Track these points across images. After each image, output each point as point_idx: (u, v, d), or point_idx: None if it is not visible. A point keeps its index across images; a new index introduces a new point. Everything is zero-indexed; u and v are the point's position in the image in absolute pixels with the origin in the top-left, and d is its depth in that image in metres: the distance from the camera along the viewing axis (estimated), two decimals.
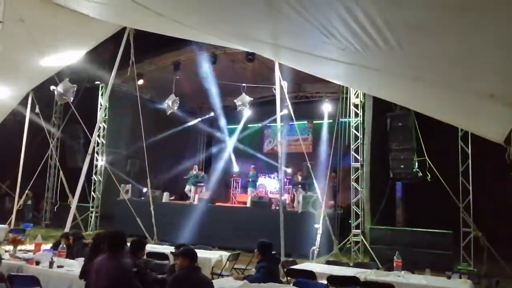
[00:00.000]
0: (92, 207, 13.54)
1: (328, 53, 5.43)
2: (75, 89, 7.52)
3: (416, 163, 9.67)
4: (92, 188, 13.54)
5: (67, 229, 8.26)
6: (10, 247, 5.84)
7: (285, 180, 12.81)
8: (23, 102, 11.54)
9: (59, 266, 4.99)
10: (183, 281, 3.65)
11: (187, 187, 13.55)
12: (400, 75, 5.33)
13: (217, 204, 13.21)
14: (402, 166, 9.67)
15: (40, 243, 5.91)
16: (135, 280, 3.76)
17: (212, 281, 4.67)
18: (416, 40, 4.26)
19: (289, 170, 13.30)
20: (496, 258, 8.65)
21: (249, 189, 13.10)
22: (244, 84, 9.92)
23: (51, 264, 4.98)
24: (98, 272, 3.74)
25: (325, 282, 4.85)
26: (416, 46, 4.41)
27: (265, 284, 4.25)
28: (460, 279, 5.19)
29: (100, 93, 13.55)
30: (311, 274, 5.12)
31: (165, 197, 13.19)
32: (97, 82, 13.30)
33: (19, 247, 5.87)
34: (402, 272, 5.36)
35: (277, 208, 10.95)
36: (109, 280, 3.67)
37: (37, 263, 5.13)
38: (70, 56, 8.96)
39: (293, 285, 4.60)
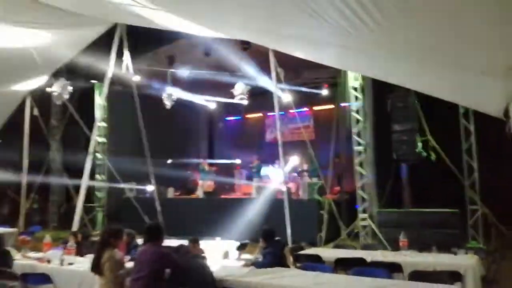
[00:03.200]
0: (98, 206, 13.59)
1: (319, 36, 5.38)
2: (70, 88, 7.48)
3: (420, 144, 9.61)
4: (96, 187, 13.57)
5: (74, 228, 8.31)
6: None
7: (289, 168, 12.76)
8: (21, 106, 11.55)
9: (69, 264, 5.07)
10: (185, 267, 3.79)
11: (200, 182, 13.53)
12: (393, 53, 5.27)
13: (222, 196, 13.22)
14: (405, 147, 9.60)
15: (49, 242, 5.98)
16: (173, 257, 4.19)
17: (220, 268, 4.71)
18: (406, 17, 4.20)
19: (296, 160, 13.26)
20: (505, 234, 8.64)
21: (254, 179, 13.09)
22: (240, 73, 9.88)
23: (61, 261, 5.06)
24: (139, 260, 4.15)
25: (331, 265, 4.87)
26: (407, 23, 4.35)
27: (271, 268, 4.26)
28: (466, 254, 5.19)
29: (97, 92, 13.51)
30: (318, 258, 5.12)
31: (170, 192, 13.21)
32: (92, 81, 13.26)
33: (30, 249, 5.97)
34: (409, 251, 5.37)
35: (282, 197, 10.94)
36: (150, 264, 4.04)
37: (48, 261, 5.22)
38: (62, 56, 8.94)
39: (299, 269, 4.61)
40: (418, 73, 5.66)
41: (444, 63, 4.68)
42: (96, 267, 4.31)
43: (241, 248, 7.00)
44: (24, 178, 11.52)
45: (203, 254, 4.34)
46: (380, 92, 10.09)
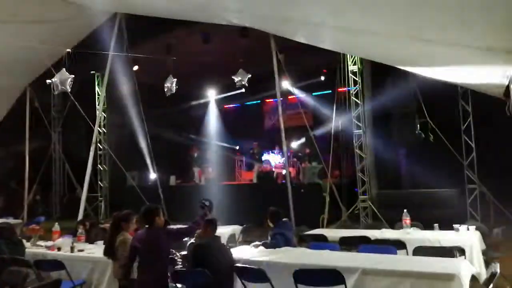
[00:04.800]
0: (101, 196, 13.69)
1: (319, 18, 5.44)
2: (72, 78, 7.51)
3: (418, 125, 9.75)
4: (99, 177, 13.65)
5: (79, 218, 8.41)
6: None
7: (289, 153, 12.90)
8: (21, 98, 11.56)
9: (79, 250, 5.15)
10: (205, 247, 3.84)
11: (194, 169, 13.69)
12: (393, 34, 5.34)
13: (223, 183, 13.37)
14: (404, 129, 9.74)
15: (59, 231, 6.06)
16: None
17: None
18: None
19: (295, 145, 13.42)
20: (502, 212, 8.82)
21: (255, 165, 13.24)
22: (241, 60, 9.89)
23: (72, 249, 5.13)
24: (148, 245, 3.98)
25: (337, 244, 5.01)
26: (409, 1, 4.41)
27: (280, 248, 4.39)
28: (468, 231, 5.33)
29: (96, 82, 13.52)
30: (323, 238, 5.26)
31: (172, 180, 13.33)
32: (92, 72, 13.25)
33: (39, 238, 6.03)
34: (411, 229, 5.51)
35: (283, 181, 11.08)
36: (163, 246, 3.98)
37: (59, 249, 5.28)
38: (62, 46, 8.91)
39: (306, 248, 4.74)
40: (417, 55, 5.74)
41: (447, 41, 4.76)
42: (109, 252, 4.41)
43: (245, 231, 7.16)
44: (26, 170, 11.57)
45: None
46: (378, 75, 10.17)
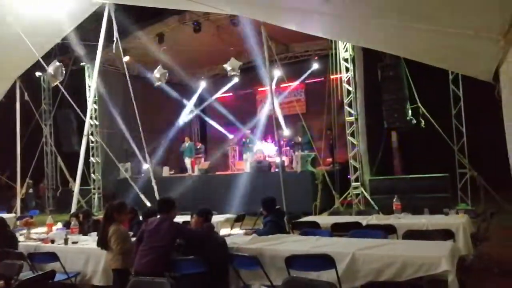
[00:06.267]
0: (94, 188, 13.67)
1: (311, 5, 5.41)
2: (63, 70, 7.44)
3: (410, 111, 9.80)
4: (91, 170, 13.62)
5: (73, 211, 8.39)
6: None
7: (283, 142, 12.94)
8: (11, 92, 11.42)
9: (73, 242, 5.14)
10: (199, 238, 3.88)
11: (186, 160, 13.70)
12: (383, 19, 5.32)
13: (217, 173, 13.39)
14: (396, 116, 9.78)
15: (52, 223, 6.05)
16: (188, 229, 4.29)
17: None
18: None
19: (287, 133, 13.45)
20: (492, 196, 8.94)
21: (245, 155, 13.26)
22: (231, 48, 9.84)
23: (66, 241, 5.12)
24: (154, 231, 4.11)
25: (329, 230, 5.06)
26: None
27: (272, 235, 4.43)
28: (457, 214, 5.41)
29: (86, 74, 13.40)
30: (315, 224, 5.31)
31: (165, 171, 13.33)
32: (82, 63, 13.13)
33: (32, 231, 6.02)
34: (402, 214, 5.58)
35: (277, 170, 11.12)
36: (170, 235, 4.10)
37: (52, 241, 5.27)
38: (51, 38, 8.81)
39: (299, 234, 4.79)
40: (408, 40, 5.73)
41: (436, 26, 4.75)
42: (102, 242, 4.42)
43: (238, 220, 7.21)
44: (18, 164, 11.49)
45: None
46: (370, 62, 10.18)
